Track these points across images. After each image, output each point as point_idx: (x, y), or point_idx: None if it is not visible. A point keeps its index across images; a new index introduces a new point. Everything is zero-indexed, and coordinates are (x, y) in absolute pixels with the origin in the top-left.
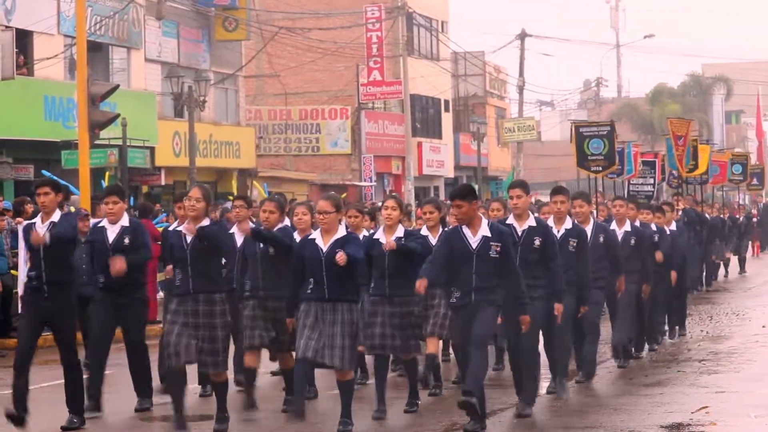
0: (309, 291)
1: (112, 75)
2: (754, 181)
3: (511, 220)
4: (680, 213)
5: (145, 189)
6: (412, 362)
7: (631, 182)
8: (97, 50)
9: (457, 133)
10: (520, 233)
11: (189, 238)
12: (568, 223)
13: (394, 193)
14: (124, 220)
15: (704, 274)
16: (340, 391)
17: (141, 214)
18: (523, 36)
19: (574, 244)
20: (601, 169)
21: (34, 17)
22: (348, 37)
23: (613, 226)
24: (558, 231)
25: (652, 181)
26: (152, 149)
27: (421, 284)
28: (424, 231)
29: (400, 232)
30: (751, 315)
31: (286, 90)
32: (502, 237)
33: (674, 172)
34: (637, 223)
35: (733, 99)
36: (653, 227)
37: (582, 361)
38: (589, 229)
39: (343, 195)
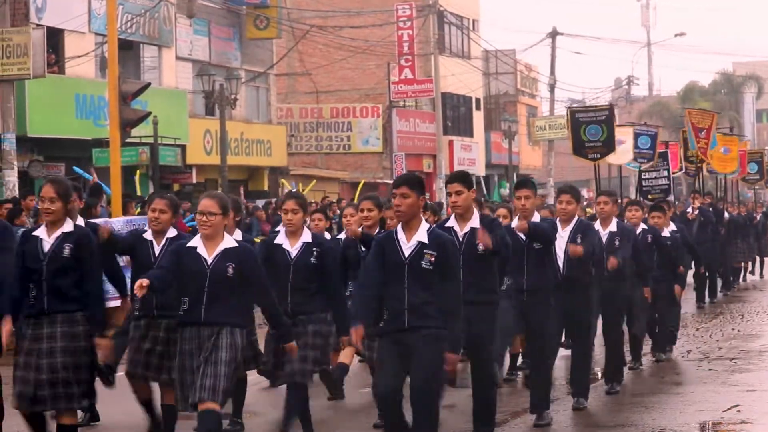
0: (182, 313)
1: (143, 73)
2: None
3: (451, 222)
4: (696, 212)
5: (176, 187)
6: (301, 389)
7: (644, 177)
8: (128, 48)
9: (488, 132)
10: (461, 237)
11: (47, 247)
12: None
13: (293, 191)
14: None
15: (721, 280)
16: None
17: None
18: (554, 34)
19: (540, 245)
20: (599, 156)
21: (65, 15)
22: (379, 36)
23: (597, 226)
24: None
25: (666, 173)
26: (183, 147)
27: (356, 334)
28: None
29: (306, 236)
30: None
31: (318, 88)
32: (441, 246)
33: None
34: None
35: (765, 97)
36: (644, 227)
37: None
38: (568, 228)
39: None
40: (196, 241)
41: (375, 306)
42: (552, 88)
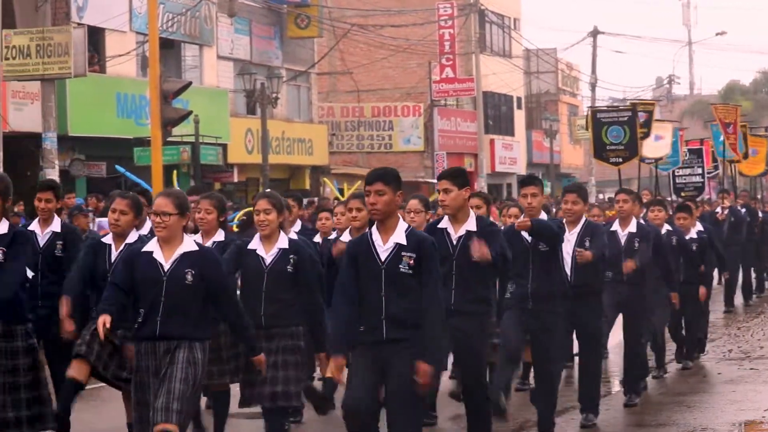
0: (137, 326)
1: (185, 72)
2: None
3: (444, 223)
4: (726, 212)
5: (217, 186)
6: (279, 414)
7: (677, 174)
8: (169, 47)
9: (529, 131)
10: (455, 240)
11: None
12: None
13: (267, 191)
14: None
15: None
16: None
17: None
18: (595, 33)
19: (547, 247)
20: (621, 160)
21: (106, 14)
22: (420, 35)
23: (615, 226)
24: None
25: (700, 171)
26: (225, 146)
27: (336, 366)
28: (346, 236)
29: (283, 242)
30: None
31: (359, 87)
32: (421, 247)
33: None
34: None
35: None
36: (668, 228)
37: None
38: (575, 231)
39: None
40: (152, 245)
41: (353, 328)
42: (593, 86)
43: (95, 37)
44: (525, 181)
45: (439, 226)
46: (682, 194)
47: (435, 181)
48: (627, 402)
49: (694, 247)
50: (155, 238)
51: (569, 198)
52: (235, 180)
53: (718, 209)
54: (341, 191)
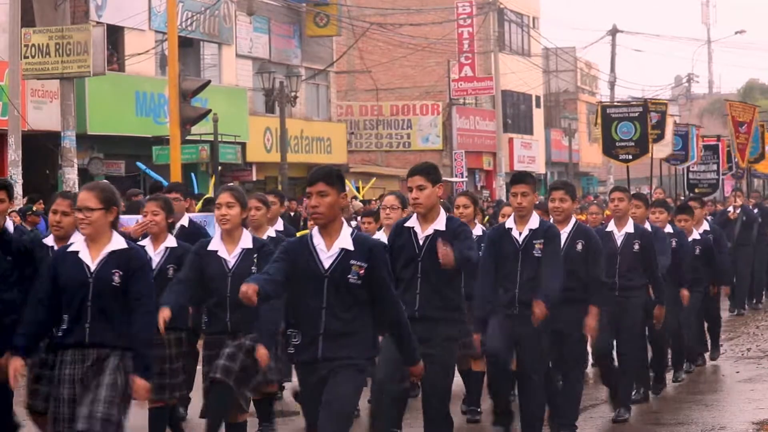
0: (61, 333)
1: (203, 71)
2: None
3: (412, 221)
4: (738, 211)
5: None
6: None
7: (691, 170)
8: (188, 46)
9: (548, 129)
10: (421, 241)
11: None
12: (533, 222)
13: (230, 184)
14: None
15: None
16: None
17: None
18: (614, 32)
19: (541, 248)
20: (630, 157)
21: (125, 13)
22: (439, 33)
23: (611, 227)
24: (520, 233)
25: (715, 168)
26: (243, 145)
27: (261, 354)
28: None
29: (246, 241)
30: None
31: (378, 86)
32: (372, 254)
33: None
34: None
35: None
36: (669, 230)
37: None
38: (566, 231)
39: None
40: (78, 245)
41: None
42: (612, 85)
43: (114, 35)
44: (515, 179)
45: (407, 224)
46: (696, 190)
47: (454, 179)
48: (615, 418)
49: (697, 250)
50: (82, 237)
51: (556, 195)
52: (254, 179)
53: (730, 208)
54: (357, 189)
